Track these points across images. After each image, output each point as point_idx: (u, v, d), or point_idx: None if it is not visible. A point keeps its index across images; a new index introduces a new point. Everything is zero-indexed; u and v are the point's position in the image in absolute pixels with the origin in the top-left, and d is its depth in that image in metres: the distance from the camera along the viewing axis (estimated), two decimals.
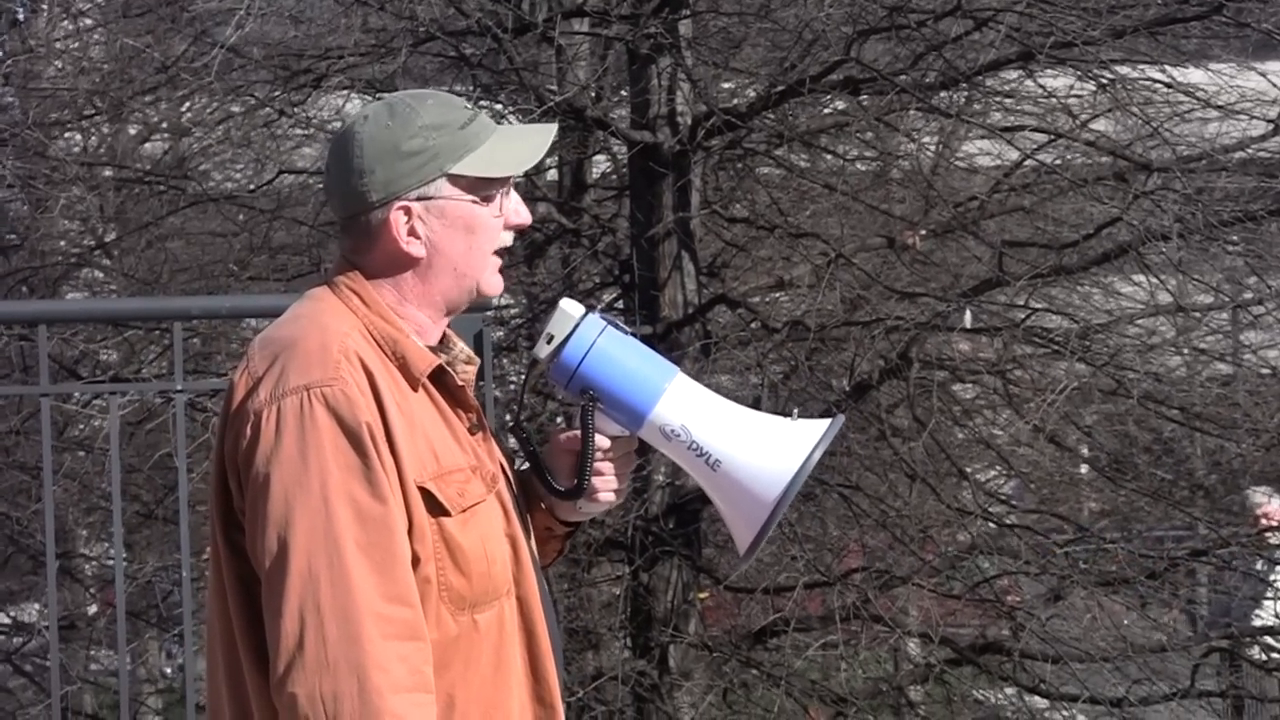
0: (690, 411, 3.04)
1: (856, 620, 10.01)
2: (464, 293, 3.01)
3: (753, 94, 10.68)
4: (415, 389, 2.94)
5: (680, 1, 10.15)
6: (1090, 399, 10.60)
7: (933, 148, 11.50)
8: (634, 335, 3.09)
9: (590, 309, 3.08)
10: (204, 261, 12.08)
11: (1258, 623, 10.57)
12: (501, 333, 11.13)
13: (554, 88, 10.33)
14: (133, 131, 13.21)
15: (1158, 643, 10.26)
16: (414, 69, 11.13)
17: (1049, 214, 10.75)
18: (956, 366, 10.35)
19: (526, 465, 3.20)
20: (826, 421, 3.03)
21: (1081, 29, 9.45)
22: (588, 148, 11.26)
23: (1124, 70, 10.12)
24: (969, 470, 10.76)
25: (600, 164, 12.01)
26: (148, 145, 13.54)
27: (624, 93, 11.07)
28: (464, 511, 2.91)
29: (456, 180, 2.97)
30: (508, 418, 7.65)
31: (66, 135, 12.74)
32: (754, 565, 10.05)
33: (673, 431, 3.04)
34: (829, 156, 11.28)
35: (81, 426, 12.04)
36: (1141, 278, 10.62)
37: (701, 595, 10.78)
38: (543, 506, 3.19)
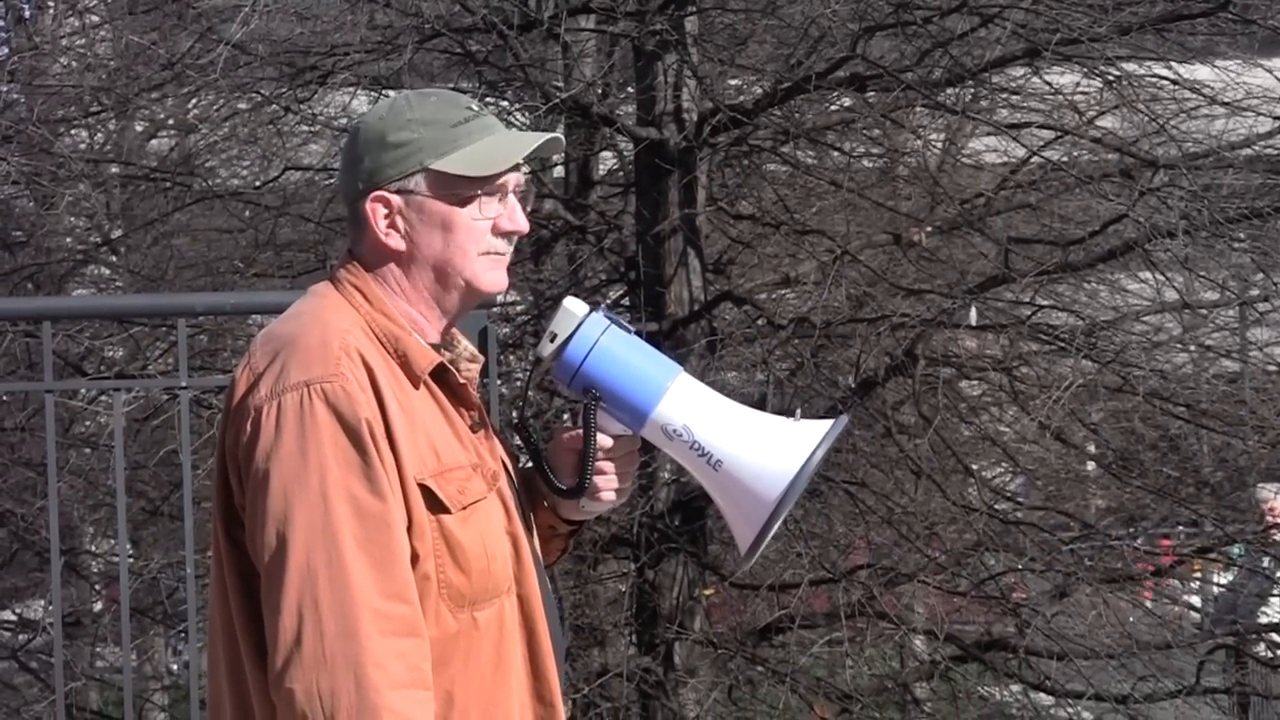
0: (692, 411, 3.03)
1: (862, 617, 10.01)
2: (453, 290, 3.00)
3: (759, 91, 10.68)
4: (417, 386, 2.95)
5: None
6: (1096, 396, 10.59)
7: (939, 144, 11.50)
8: (638, 334, 3.09)
9: (594, 308, 3.07)
10: (210, 258, 12.08)
11: (1264, 619, 10.57)
12: (507, 329, 11.12)
13: (560, 84, 10.33)
14: (139, 128, 13.21)
15: (1163, 639, 10.25)
16: (420, 66, 11.13)
17: (1055, 211, 10.75)
18: (962, 363, 10.34)
19: (530, 463, 3.20)
20: (829, 422, 3.03)
21: (1088, 26, 9.44)
22: (594, 144, 11.26)
23: (1130, 67, 10.12)
24: (975, 467, 10.76)
25: (606, 161, 12.01)
26: (154, 142, 13.54)
27: (630, 89, 11.06)
28: (464, 509, 2.91)
29: (436, 177, 2.97)
30: (513, 414, 7.65)
31: (72, 132, 12.72)
32: (759, 562, 10.04)
33: (675, 431, 3.03)
34: (835, 153, 11.27)
35: (87, 423, 12.03)
36: (1148, 274, 10.62)
37: (707, 592, 10.78)
38: (546, 505, 3.19)
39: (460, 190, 2.98)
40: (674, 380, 3.05)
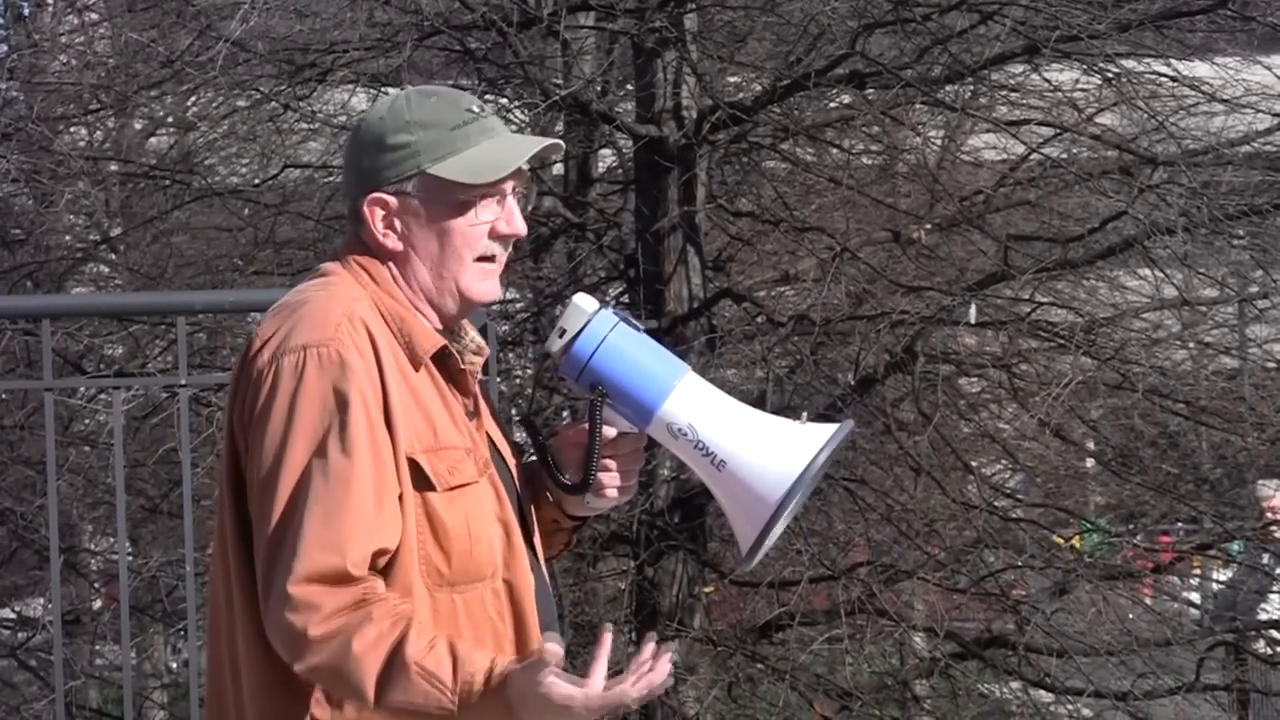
0: (698, 410, 3.03)
1: (862, 614, 10.02)
2: (447, 294, 3.01)
3: (758, 88, 10.68)
4: (417, 368, 2.96)
5: None
6: (1095, 393, 10.60)
7: (938, 142, 11.51)
8: (646, 332, 3.09)
9: (604, 305, 3.07)
10: (209, 256, 12.08)
11: (1263, 616, 10.58)
12: (506, 326, 11.13)
13: (559, 82, 10.33)
14: (138, 126, 13.20)
15: (1163, 636, 10.26)
16: (419, 63, 11.13)
17: (1054, 208, 10.76)
18: (962, 360, 10.35)
19: (535, 458, 3.20)
20: (834, 426, 3.03)
21: (1087, 23, 9.45)
22: (593, 142, 11.27)
23: (1129, 64, 10.13)
24: (974, 464, 10.77)
25: (606, 158, 12.01)
26: (153, 140, 13.53)
27: (629, 87, 11.07)
28: (451, 490, 2.92)
29: (433, 181, 2.97)
30: (514, 412, 7.66)
31: (71, 130, 12.73)
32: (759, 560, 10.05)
33: (680, 430, 3.03)
34: (834, 150, 11.28)
35: (86, 421, 12.03)
36: (1147, 272, 10.63)
37: (707, 590, 10.79)
38: (550, 499, 3.19)
39: (457, 195, 2.98)
40: (681, 379, 3.05)
